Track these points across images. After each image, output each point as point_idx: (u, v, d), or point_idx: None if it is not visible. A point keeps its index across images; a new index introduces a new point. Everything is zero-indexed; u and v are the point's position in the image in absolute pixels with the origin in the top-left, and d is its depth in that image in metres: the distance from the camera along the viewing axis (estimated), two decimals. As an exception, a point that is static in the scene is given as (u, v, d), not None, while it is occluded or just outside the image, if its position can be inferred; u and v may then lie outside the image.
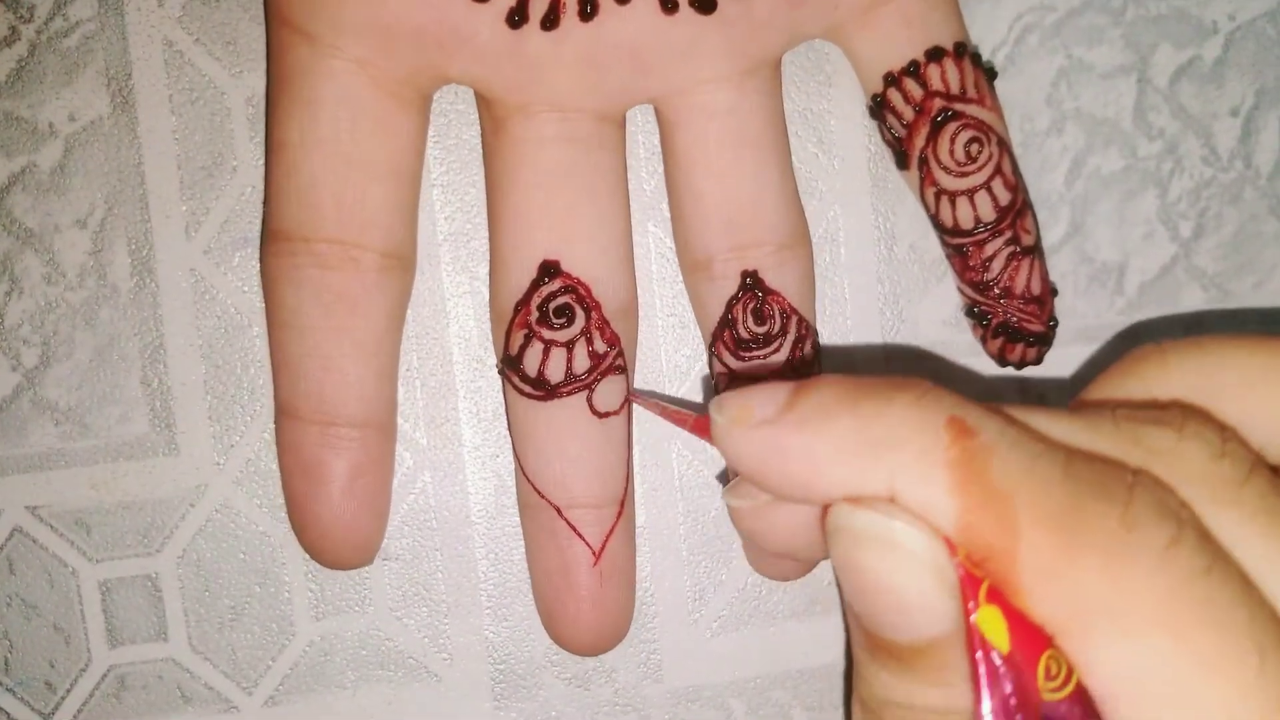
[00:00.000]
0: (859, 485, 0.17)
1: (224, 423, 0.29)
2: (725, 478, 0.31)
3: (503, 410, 0.29)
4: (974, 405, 0.18)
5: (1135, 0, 0.31)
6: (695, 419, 0.23)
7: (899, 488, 0.17)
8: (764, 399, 0.19)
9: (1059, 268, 0.31)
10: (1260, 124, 0.31)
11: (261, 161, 0.29)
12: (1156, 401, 0.19)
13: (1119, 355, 0.31)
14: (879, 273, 0.31)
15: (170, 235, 0.29)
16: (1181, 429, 0.18)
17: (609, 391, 0.27)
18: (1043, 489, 0.17)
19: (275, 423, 0.28)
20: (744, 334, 0.28)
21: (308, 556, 0.29)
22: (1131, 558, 0.16)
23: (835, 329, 0.30)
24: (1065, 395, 0.31)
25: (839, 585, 0.19)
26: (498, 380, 0.30)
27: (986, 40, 0.30)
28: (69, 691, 0.30)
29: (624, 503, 0.28)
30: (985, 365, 0.30)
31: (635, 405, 0.28)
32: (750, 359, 0.28)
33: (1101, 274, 0.31)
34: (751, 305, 0.27)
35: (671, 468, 0.30)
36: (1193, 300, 0.31)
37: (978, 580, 0.17)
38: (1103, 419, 0.19)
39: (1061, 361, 0.31)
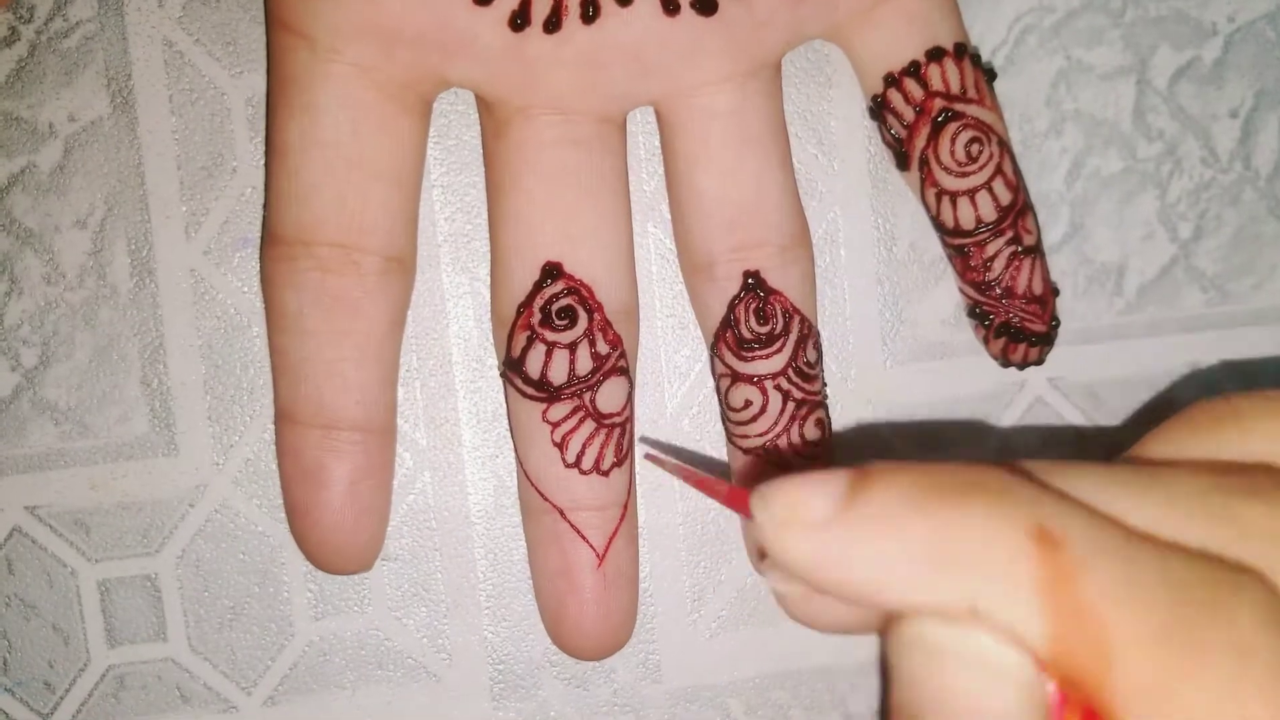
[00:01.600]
0: (935, 600, 0.16)
1: (223, 423, 0.29)
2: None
3: (502, 411, 0.29)
4: (1054, 497, 0.17)
5: (1134, 2, 0.31)
6: (729, 490, 0.21)
7: (982, 606, 0.16)
8: (816, 495, 0.17)
9: (1058, 268, 0.31)
10: (1259, 125, 0.31)
11: (261, 162, 0.29)
12: (1236, 464, 0.18)
13: (1122, 358, 0.31)
14: (879, 273, 0.31)
15: (170, 235, 0.29)
16: (1275, 500, 0.17)
17: (611, 393, 0.27)
18: (1142, 607, 0.16)
19: (275, 427, 0.28)
20: (746, 334, 0.28)
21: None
22: (1245, 679, 0.15)
23: (835, 329, 0.30)
24: (1075, 393, 0.31)
25: (887, 687, 0.17)
26: (497, 381, 0.30)
27: (986, 41, 0.30)
28: (68, 691, 0.30)
29: (627, 505, 0.28)
30: (986, 364, 0.30)
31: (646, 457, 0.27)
32: (753, 359, 0.28)
33: (1101, 275, 0.31)
34: (754, 305, 0.27)
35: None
36: (1192, 301, 0.31)
37: (1073, 702, 0.16)
38: (1186, 486, 0.17)
39: (1061, 362, 0.31)
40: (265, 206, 0.28)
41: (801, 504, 0.17)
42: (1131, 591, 0.16)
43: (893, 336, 0.31)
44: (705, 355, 0.30)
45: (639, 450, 0.29)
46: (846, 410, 0.31)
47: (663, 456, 0.26)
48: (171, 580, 0.30)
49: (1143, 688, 0.15)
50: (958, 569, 0.16)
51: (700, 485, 0.22)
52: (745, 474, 0.29)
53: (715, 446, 0.30)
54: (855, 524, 0.17)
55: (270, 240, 0.27)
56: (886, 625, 0.17)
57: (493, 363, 0.30)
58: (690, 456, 0.31)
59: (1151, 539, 0.16)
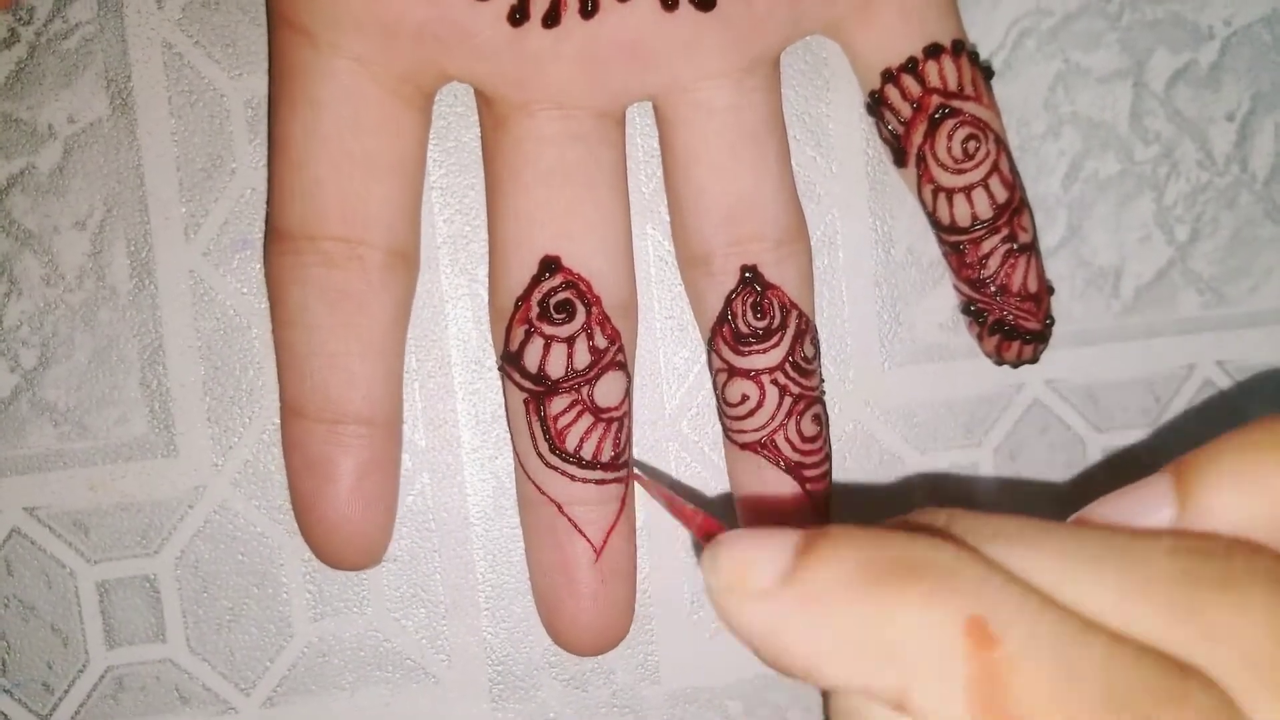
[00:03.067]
0: (867, 684, 0.16)
1: (222, 424, 0.29)
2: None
3: (501, 412, 0.29)
4: (999, 583, 0.16)
5: (1132, 5, 0.31)
6: (704, 521, 0.21)
7: (911, 698, 0.16)
8: (762, 562, 0.17)
9: (1055, 271, 0.31)
10: (1256, 128, 0.31)
11: (261, 163, 0.29)
12: (1214, 541, 0.17)
13: (1119, 361, 0.31)
14: (877, 275, 0.31)
15: (169, 237, 0.29)
16: (1246, 594, 0.16)
17: (609, 387, 0.27)
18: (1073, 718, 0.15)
19: (281, 422, 0.28)
20: (743, 328, 0.28)
21: (306, 557, 0.29)
22: None
23: (833, 331, 0.30)
24: (1076, 396, 0.31)
25: None
26: (496, 382, 0.30)
27: (984, 44, 0.30)
28: (66, 693, 0.30)
29: (624, 500, 0.28)
30: (984, 366, 0.30)
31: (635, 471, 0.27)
32: (749, 353, 0.28)
33: (1098, 277, 0.31)
34: (751, 299, 0.28)
35: (669, 465, 0.31)
36: (1188, 304, 0.32)
37: None
38: (1150, 570, 0.16)
39: (1058, 364, 0.31)
40: (269, 202, 0.28)
41: (747, 570, 0.17)
42: (1064, 700, 0.15)
43: (890, 338, 0.31)
44: (703, 357, 0.30)
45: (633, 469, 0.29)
46: (844, 412, 0.31)
47: (649, 480, 0.25)
48: (170, 581, 0.30)
49: None
50: (891, 658, 0.16)
51: (675, 511, 0.22)
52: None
53: (714, 448, 0.31)
54: (796, 600, 0.17)
55: (274, 235, 0.27)
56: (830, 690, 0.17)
57: (491, 364, 0.30)
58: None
59: (1099, 631, 0.16)
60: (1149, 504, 0.19)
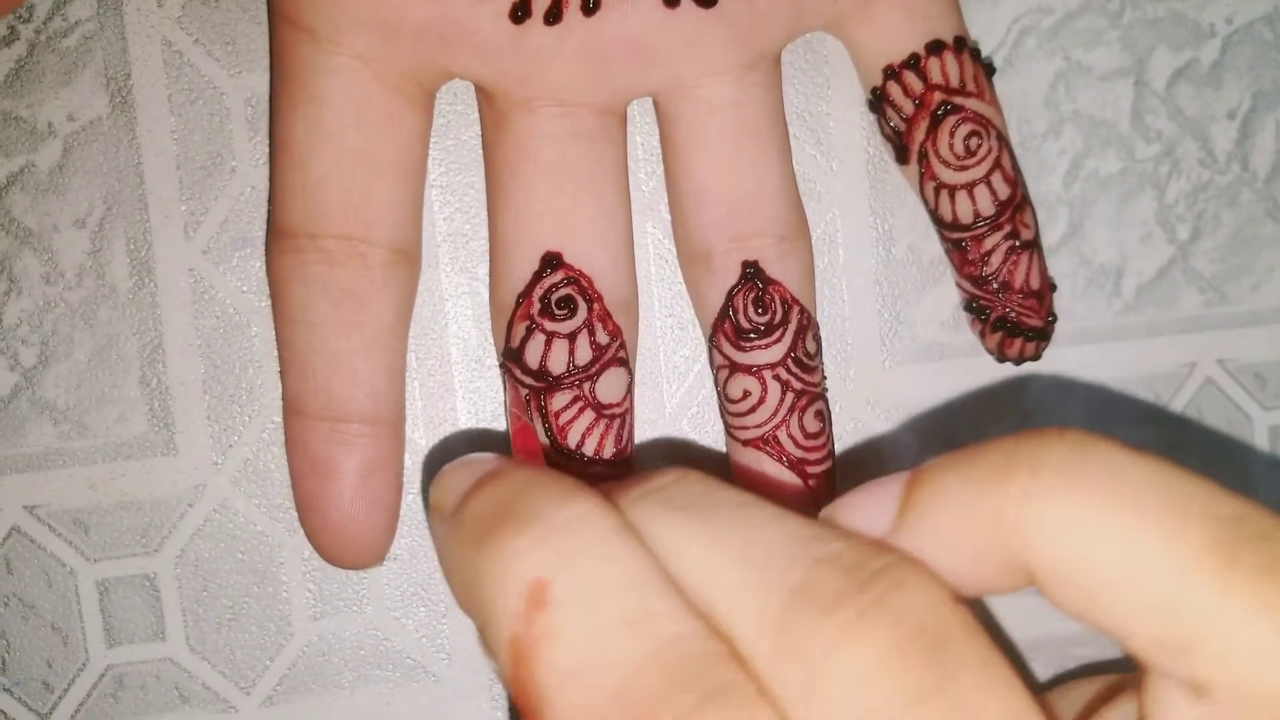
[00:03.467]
0: (472, 617, 0.17)
1: (222, 422, 0.29)
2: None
3: (502, 411, 0.29)
4: (599, 556, 0.16)
5: (1133, 3, 0.31)
6: (526, 442, 0.22)
7: (485, 641, 0.17)
8: (454, 488, 0.18)
9: (1056, 269, 0.31)
10: (1257, 126, 0.31)
11: (261, 161, 0.29)
12: (882, 558, 0.16)
13: (1120, 359, 0.31)
14: (877, 274, 0.31)
15: (169, 235, 0.29)
16: (850, 627, 0.15)
17: (611, 383, 0.27)
18: (584, 702, 0.15)
19: (284, 422, 0.27)
20: (744, 324, 0.28)
21: (306, 556, 0.29)
22: None
23: (833, 330, 0.30)
24: (1063, 396, 0.31)
25: None
26: (496, 381, 0.30)
27: (984, 42, 0.30)
28: (66, 691, 0.30)
29: None
30: (985, 365, 0.30)
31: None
32: (751, 349, 0.28)
33: (1099, 276, 0.31)
34: (752, 295, 0.28)
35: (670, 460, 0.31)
36: (1190, 302, 0.32)
37: None
38: (793, 575, 0.16)
39: (1058, 362, 0.31)
40: (270, 200, 0.28)
41: (445, 491, 0.18)
42: (584, 681, 0.15)
43: (891, 337, 0.31)
44: (704, 356, 0.30)
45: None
46: (845, 411, 0.31)
47: (518, 394, 0.27)
48: (170, 580, 0.30)
49: None
50: (479, 600, 0.17)
51: (515, 422, 0.23)
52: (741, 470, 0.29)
53: (714, 446, 0.30)
54: (452, 528, 0.18)
55: (276, 234, 0.27)
56: None
57: (492, 363, 0.30)
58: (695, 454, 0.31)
59: (678, 620, 0.16)
60: (874, 510, 0.18)
